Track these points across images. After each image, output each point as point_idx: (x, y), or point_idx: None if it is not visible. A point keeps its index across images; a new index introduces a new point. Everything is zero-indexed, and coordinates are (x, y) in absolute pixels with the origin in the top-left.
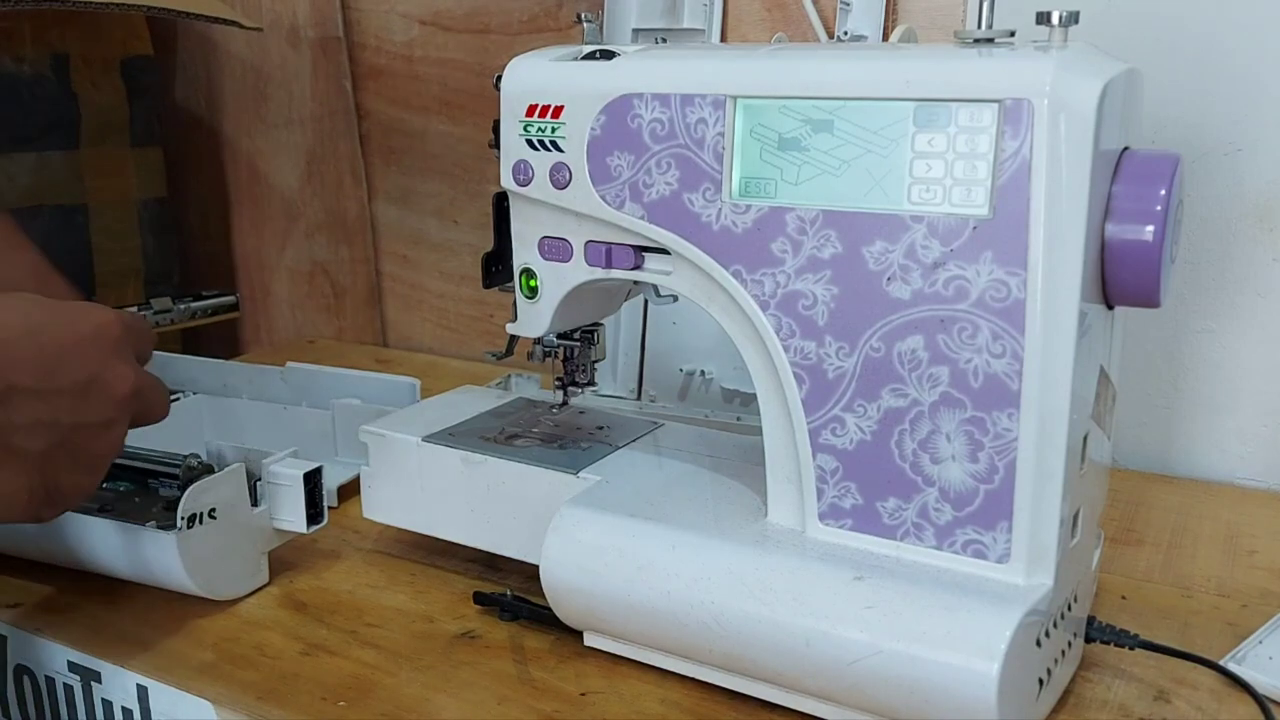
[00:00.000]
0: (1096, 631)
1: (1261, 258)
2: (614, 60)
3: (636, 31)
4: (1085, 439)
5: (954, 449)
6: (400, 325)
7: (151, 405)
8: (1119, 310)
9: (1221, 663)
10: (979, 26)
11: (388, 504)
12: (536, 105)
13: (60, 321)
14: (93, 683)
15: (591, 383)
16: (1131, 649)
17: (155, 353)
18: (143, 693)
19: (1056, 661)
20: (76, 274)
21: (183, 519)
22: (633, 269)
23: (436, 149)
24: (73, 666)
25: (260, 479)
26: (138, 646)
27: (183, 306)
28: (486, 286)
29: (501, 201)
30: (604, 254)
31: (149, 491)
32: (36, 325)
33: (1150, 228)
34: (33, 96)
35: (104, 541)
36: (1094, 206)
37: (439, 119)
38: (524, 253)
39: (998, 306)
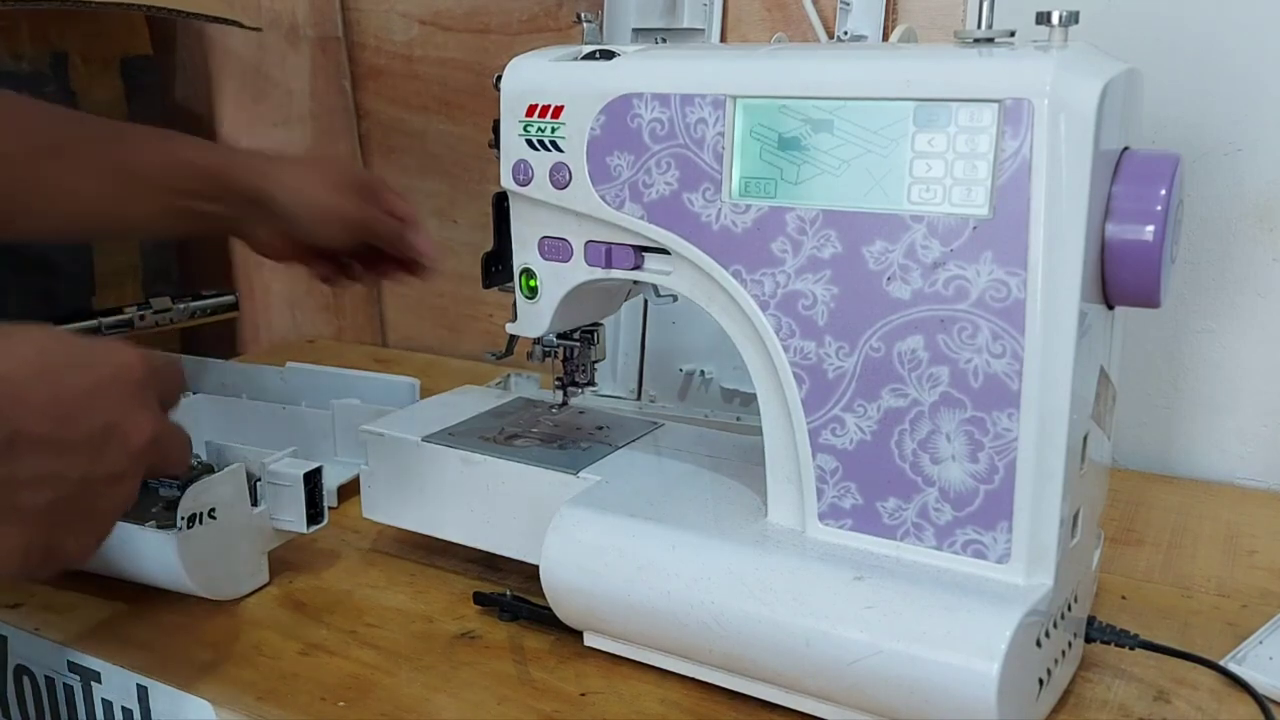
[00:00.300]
0: (1096, 631)
1: (1261, 258)
2: (614, 60)
3: (636, 31)
4: (1085, 439)
5: (954, 449)
6: (400, 325)
7: (169, 457)
8: (1119, 310)
9: (1221, 663)
10: (979, 26)
11: (387, 504)
12: (536, 105)
13: (79, 363)
14: (93, 683)
15: (591, 383)
16: (1131, 649)
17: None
18: (143, 693)
19: (1056, 661)
20: (76, 274)
21: (182, 519)
22: (633, 269)
23: (436, 148)
24: (73, 666)
25: (260, 479)
26: (138, 646)
27: (182, 306)
28: (486, 286)
29: (501, 201)
30: (604, 254)
31: (148, 491)
32: (53, 366)
33: (1150, 228)
34: (32, 95)
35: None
36: (1094, 206)
37: (439, 119)
38: (524, 253)
39: (998, 306)
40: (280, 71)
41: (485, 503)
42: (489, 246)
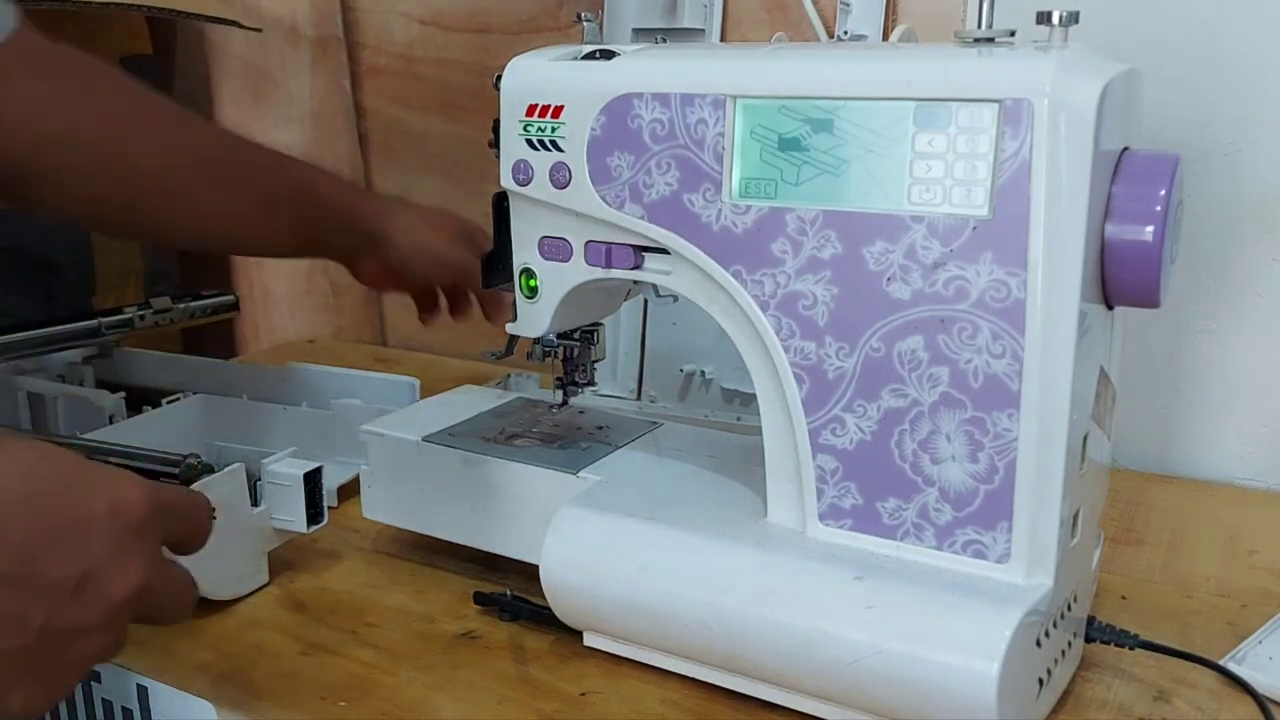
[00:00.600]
0: (1096, 631)
1: (1261, 258)
2: (614, 60)
3: (636, 31)
4: (1085, 439)
5: (954, 449)
6: (400, 325)
7: (163, 609)
8: (1119, 310)
9: (1221, 663)
10: (979, 26)
11: (387, 504)
12: (536, 105)
13: (67, 493)
14: (93, 683)
15: (591, 382)
16: (1131, 649)
17: (154, 353)
18: (143, 693)
19: (1056, 661)
20: (77, 274)
21: None
22: (633, 269)
23: (436, 148)
24: None
25: (260, 479)
26: (138, 646)
27: (182, 306)
28: (486, 286)
29: (501, 201)
30: (604, 254)
31: None
32: (35, 492)
33: (1150, 228)
34: None
35: None
36: (1094, 207)
37: (439, 118)
38: (524, 253)
39: (998, 307)
40: (280, 71)
41: (485, 503)
42: (489, 246)
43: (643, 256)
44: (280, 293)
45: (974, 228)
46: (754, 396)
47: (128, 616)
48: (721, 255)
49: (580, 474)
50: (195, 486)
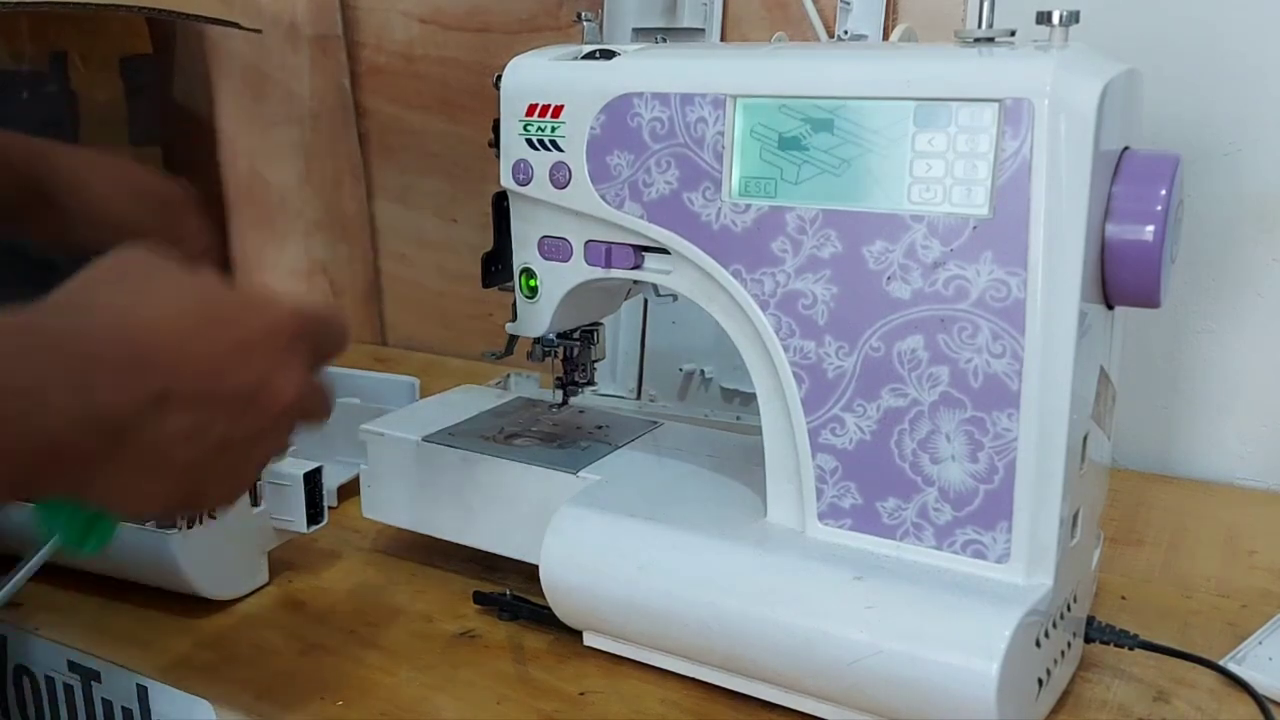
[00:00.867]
0: (1096, 631)
1: (1261, 258)
2: (614, 60)
3: (636, 31)
4: (1085, 439)
5: (954, 449)
6: (400, 324)
7: (311, 415)
8: (1119, 310)
9: (1221, 663)
10: (979, 26)
11: (387, 503)
12: (536, 105)
13: (235, 317)
14: (93, 683)
15: (591, 382)
16: (1131, 649)
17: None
18: (143, 693)
19: (1056, 661)
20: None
21: (182, 519)
22: (633, 269)
23: (436, 148)
24: (73, 666)
25: (260, 479)
26: (138, 646)
27: None
28: (486, 286)
29: (501, 201)
30: (604, 254)
31: None
32: (213, 319)
33: (1150, 228)
34: (31, 94)
35: None
36: (1094, 206)
37: (439, 118)
38: (524, 252)
39: (998, 306)
40: (280, 71)
41: (485, 503)
42: (489, 246)
43: (643, 256)
44: (279, 292)
45: (974, 227)
46: (754, 396)
47: (293, 419)
48: (721, 254)
49: (580, 474)
50: None
